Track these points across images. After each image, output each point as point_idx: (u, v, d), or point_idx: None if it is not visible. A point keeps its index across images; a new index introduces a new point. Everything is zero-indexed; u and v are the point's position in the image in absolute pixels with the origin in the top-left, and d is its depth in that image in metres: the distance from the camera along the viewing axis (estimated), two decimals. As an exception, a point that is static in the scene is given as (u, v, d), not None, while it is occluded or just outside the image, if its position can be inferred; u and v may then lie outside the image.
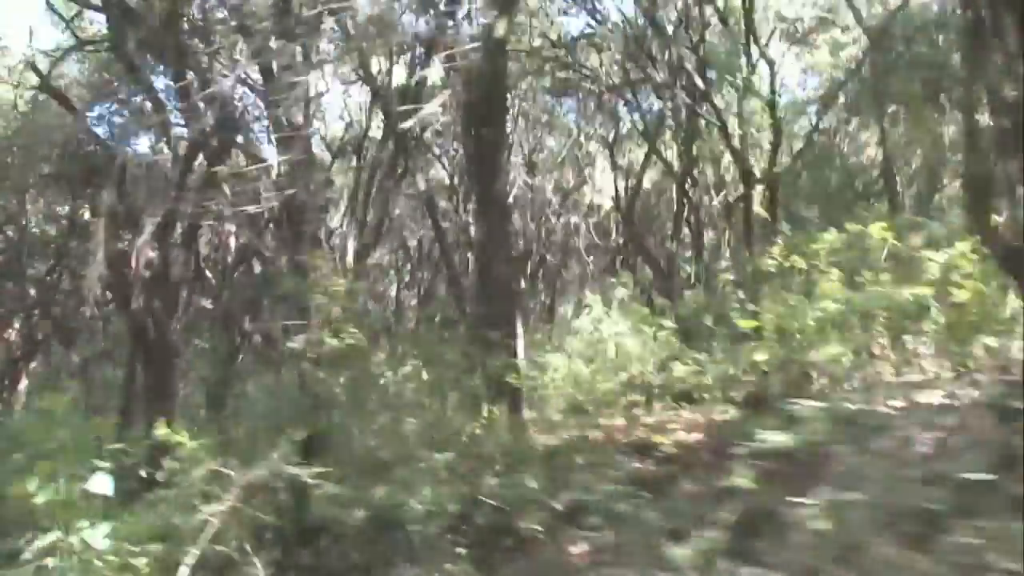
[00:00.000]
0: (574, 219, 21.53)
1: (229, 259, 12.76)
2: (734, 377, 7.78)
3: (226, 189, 8.63)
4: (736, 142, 10.99)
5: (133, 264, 8.15)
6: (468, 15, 9.33)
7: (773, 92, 11.96)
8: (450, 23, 9.21)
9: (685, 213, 15.92)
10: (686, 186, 15.31)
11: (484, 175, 8.44)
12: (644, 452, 6.73)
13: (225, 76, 7.96)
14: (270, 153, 9.27)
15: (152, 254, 8.21)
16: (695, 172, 15.70)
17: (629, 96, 16.49)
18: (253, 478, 3.78)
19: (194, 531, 3.86)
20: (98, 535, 3.97)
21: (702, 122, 14.65)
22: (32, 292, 18.56)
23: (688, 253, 16.46)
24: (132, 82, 9.42)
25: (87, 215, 19.40)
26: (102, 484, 4.09)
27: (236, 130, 8.57)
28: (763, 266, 9.15)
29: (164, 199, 8.06)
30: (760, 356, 7.66)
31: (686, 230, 16.42)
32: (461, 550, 4.52)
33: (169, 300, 7.90)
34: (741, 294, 9.36)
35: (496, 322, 7.91)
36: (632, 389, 9.32)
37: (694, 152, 15.08)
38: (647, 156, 16.16)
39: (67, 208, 19.51)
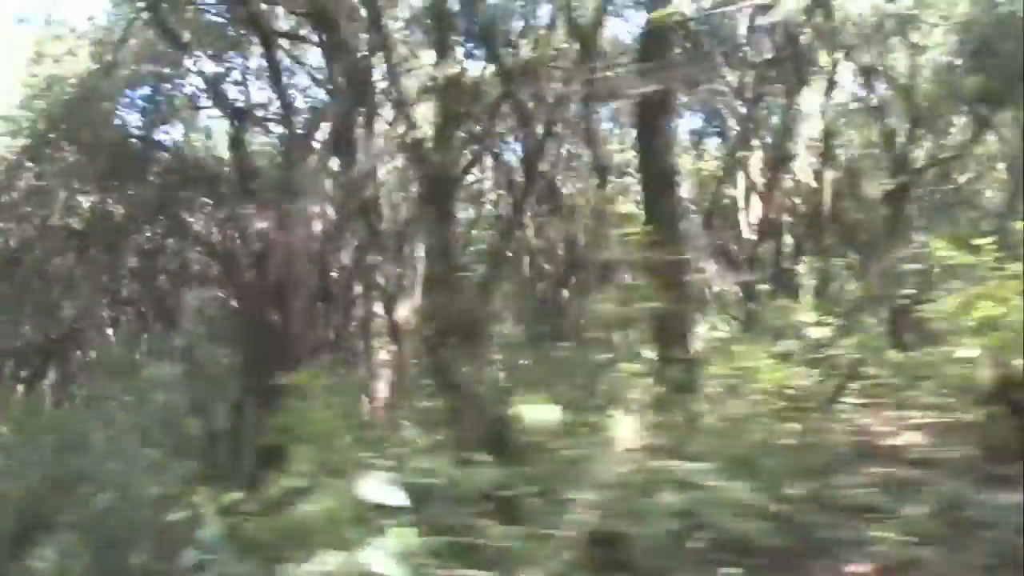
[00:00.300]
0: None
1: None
2: (954, 375, 6.76)
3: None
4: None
5: (241, 237, 7.00)
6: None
7: (911, 78, 11.11)
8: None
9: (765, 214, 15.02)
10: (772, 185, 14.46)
11: (648, 139, 7.45)
12: (885, 457, 5.72)
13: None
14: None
15: (265, 224, 7.09)
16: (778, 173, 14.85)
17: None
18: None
19: (533, 553, 2.76)
20: (386, 556, 2.83)
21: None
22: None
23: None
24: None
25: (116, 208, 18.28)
26: (387, 492, 2.97)
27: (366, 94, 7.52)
28: (936, 259, 8.25)
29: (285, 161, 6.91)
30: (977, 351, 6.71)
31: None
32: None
33: (291, 277, 6.77)
34: (909, 289, 8.41)
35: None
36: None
37: (783, 152, 14.29)
38: (728, 160, 15.46)
39: (91, 201, 18.32)
